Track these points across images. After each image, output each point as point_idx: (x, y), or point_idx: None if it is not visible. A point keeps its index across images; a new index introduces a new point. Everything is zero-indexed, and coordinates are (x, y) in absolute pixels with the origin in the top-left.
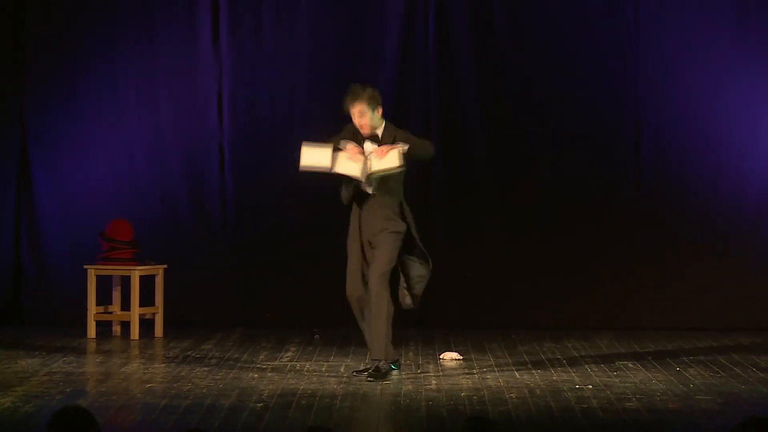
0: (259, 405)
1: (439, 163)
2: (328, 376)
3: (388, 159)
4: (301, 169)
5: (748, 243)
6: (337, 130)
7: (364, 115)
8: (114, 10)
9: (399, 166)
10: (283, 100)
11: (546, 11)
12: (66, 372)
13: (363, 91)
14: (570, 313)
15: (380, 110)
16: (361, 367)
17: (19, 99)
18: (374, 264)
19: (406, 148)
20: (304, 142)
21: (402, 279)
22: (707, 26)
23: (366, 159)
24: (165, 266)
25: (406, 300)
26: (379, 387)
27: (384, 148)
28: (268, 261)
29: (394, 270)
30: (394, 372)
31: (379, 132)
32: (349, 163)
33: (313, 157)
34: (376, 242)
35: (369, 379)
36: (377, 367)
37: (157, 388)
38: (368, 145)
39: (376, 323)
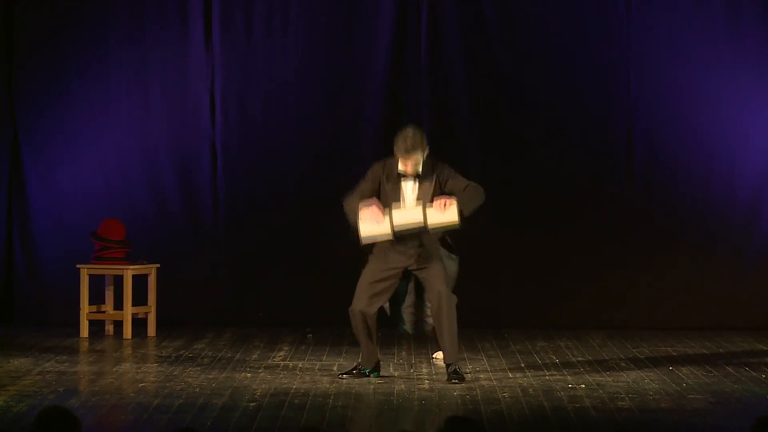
0: (252, 404)
1: None
2: (320, 375)
3: (448, 214)
4: (363, 242)
5: (741, 241)
6: (330, 135)
7: (418, 164)
8: (106, 10)
9: (457, 223)
10: (275, 100)
11: (538, 9)
12: (58, 371)
13: (421, 141)
14: (563, 312)
15: (427, 152)
16: (345, 370)
17: (10, 98)
18: (437, 276)
19: (455, 203)
20: (360, 219)
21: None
22: (699, 25)
23: (389, 213)
24: (157, 265)
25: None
26: (371, 386)
27: (443, 201)
28: (261, 260)
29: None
30: (375, 378)
31: (420, 169)
32: (373, 224)
33: (372, 228)
34: (427, 265)
35: (453, 382)
36: (455, 370)
37: (150, 388)
38: (409, 186)
39: (452, 328)
